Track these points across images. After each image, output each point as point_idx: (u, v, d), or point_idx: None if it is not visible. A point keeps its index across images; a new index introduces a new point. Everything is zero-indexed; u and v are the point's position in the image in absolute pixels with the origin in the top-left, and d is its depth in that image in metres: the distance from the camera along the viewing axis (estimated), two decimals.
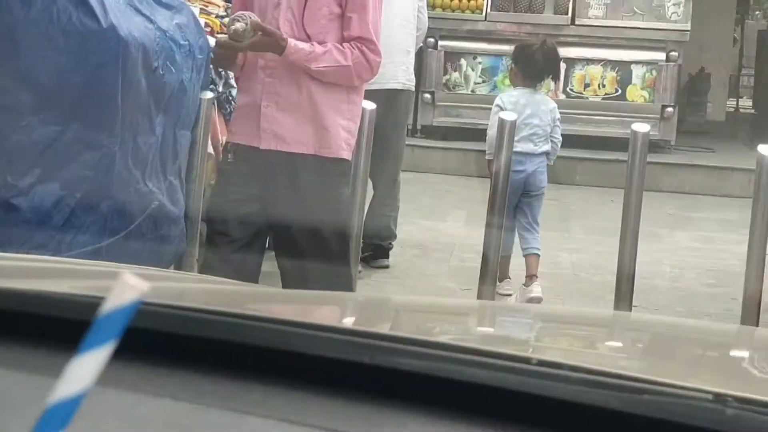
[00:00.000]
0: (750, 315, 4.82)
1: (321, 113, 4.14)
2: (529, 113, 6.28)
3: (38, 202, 3.47)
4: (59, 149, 3.49)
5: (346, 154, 4.22)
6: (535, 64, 6.41)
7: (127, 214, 3.81)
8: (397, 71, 6.63)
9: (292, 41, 4.08)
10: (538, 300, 6.08)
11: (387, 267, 6.75)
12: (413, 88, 7.06)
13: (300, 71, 4.12)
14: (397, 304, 2.21)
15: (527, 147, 6.24)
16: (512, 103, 6.28)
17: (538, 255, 6.26)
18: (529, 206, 6.30)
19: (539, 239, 6.29)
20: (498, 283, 5.90)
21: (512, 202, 6.01)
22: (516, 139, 5.69)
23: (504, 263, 6.15)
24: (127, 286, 0.61)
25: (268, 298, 1.92)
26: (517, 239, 6.31)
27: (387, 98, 6.37)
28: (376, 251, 6.68)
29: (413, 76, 6.98)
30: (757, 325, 4.77)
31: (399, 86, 6.69)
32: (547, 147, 6.37)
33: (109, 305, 0.61)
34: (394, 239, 6.86)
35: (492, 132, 5.90)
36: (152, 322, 1.00)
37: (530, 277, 6.21)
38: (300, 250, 4.12)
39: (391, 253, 6.98)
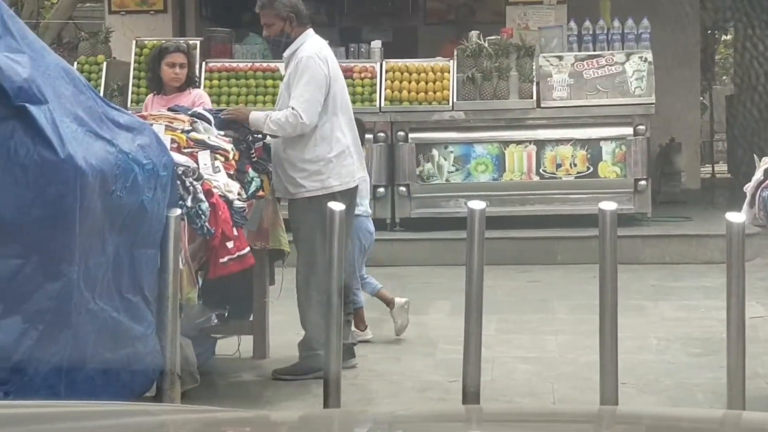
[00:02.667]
0: (736, 383, 4.79)
1: None
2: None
3: (2, 338, 3.45)
4: (21, 282, 3.49)
5: None
6: None
7: (83, 337, 3.80)
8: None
9: None
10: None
11: (355, 366, 6.63)
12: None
13: None
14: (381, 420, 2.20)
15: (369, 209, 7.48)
16: None
17: None
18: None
19: None
20: (360, 332, 7.17)
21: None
22: (365, 203, 7.23)
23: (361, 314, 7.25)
24: None
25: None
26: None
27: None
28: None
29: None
30: (743, 393, 4.75)
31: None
32: None
33: None
34: (356, 342, 6.78)
35: None
36: None
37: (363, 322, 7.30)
38: None
39: (375, 349, 6.97)
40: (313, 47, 6.56)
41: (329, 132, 6.52)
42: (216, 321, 6.76)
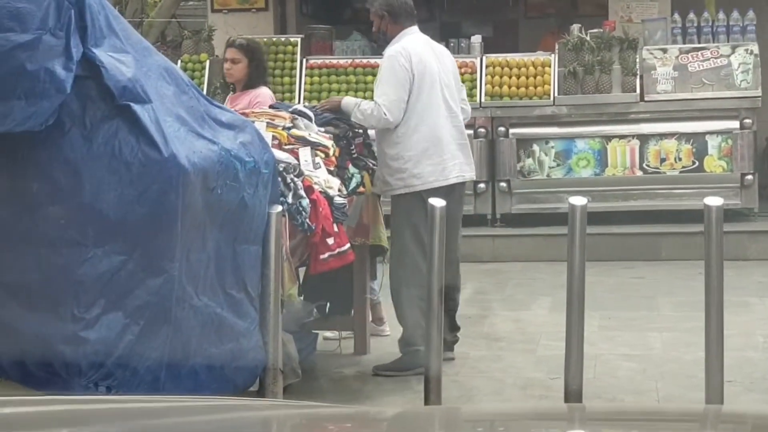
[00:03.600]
0: None
1: None
2: None
3: (105, 333, 3.51)
4: (123, 278, 3.55)
5: None
6: None
7: (187, 332, 3.83)
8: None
9: None
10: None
11: (452, 359, 6.61)
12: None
13: None
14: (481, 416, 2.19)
15: None
16: None
17: None
18: None
19: None
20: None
21: None
22: None
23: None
24: None
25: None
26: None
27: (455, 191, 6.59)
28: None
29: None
30: None
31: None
32: None
33: None
34: (458, 331, 6.76)
35: None
36: None
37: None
38: None
39: (476, 346, 6.94)
40: (400, 44, 6.52)
41: (410, 131, 6.47)
42: (316, 316, 6.79)
